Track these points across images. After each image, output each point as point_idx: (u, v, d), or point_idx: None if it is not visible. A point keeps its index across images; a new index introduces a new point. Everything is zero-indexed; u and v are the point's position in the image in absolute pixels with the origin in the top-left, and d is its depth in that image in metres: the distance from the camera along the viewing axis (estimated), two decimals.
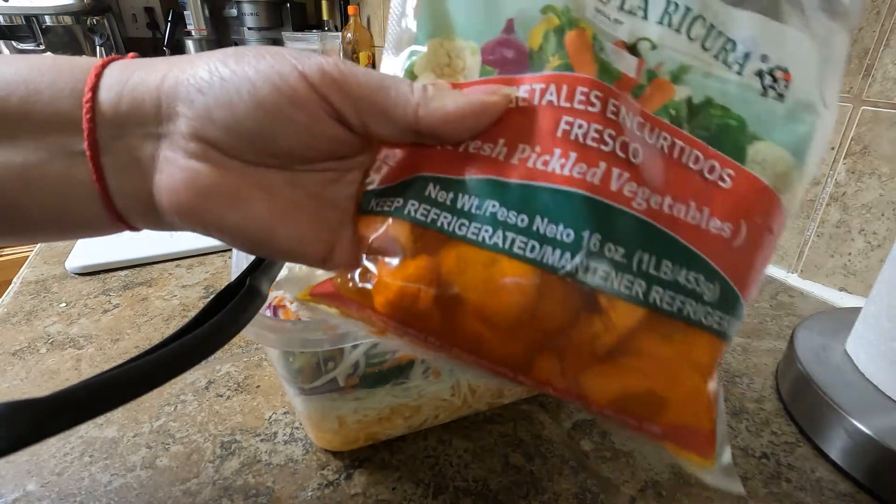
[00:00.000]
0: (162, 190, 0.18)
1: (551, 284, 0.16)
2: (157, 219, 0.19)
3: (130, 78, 0.18)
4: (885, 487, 0.27)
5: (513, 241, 0.16)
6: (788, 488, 0.28)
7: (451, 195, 0.17)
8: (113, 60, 0.18)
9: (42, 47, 1.28)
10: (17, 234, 0.18)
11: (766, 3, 0.19)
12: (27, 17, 1.22)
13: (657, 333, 0.16)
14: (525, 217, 0.16)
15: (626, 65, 0.18)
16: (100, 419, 0.31)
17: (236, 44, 1.60)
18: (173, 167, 0.18)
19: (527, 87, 0.18)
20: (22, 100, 0.17)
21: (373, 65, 1.30)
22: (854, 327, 0.33)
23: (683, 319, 0.16)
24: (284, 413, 0.33)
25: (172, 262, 0.54)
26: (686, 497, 0.27)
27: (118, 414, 0.32)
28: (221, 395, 0.34)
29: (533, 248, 0.16)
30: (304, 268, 0.30)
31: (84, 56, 0.18)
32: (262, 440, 0.31)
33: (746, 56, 0.18)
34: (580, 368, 0.16)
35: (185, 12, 1.48)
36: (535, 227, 0.16)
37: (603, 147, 0.16)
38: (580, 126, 0.17)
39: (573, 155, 0.16)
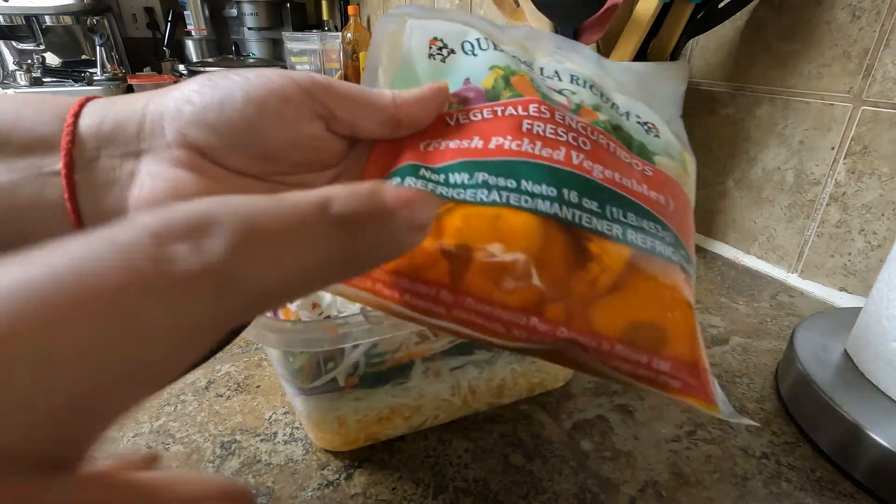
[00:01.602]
0: (141, 203, 0.18)
1: (550, 230, 0.18)
2: None
3: (114, 105, 0.18)
4: (885, 487, 0.27)
5: (508, 198, 0.19)
6: (788, 488, 0.28)
7: (442, 176, 0.20)
8: (94, 98, 0.19)
9: (42, 47, 1.28)
10: None
11: (632, 92, 0.26)
12: (27, 17, 1.22)
13: (644, 272, 0.19)
14: (513, 181, 0.19)
15: (559, 99, 0.23)
16: None
17: (236, 44, 1.60)
18: (155, 179, 0.18)
19: (489, 109, 0.21)
20: (3, 128, 0.17)
21: None
22: (854, 327, 0.33)
23: (657, 255, 0.19)
24: (284, 413, 0.33)
25: None
26: (686, 497, 0.27)
27: None
28: (221, 395, 0.34)
29: (527, 201, 0.19)
30: None
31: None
32: (262, 440, 0.31)
33: (627, 113, 0.24)
34: (587, 305, 0.18)
35: (185, 12, 1.48)
36: (523, 187, 0.19)
37: (560, 138, 0.20)
38: (539, 125, 0.20)
39: (538, 143, 0.20)
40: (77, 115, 0.18)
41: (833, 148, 0.45)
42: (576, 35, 0.47)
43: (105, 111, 0.18)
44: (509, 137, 0.20)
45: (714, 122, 0.55)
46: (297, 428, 0.31)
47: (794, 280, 0.50)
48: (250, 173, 0.19)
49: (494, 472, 0.28)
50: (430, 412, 0.30)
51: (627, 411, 0.33)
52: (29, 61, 1.24)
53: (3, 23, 1.22)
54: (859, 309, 0.33)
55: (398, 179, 0.20)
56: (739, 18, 0.51)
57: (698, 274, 0.52)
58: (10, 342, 0.08)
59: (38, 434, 0.08)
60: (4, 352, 0.07)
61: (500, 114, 0.21)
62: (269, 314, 0.28)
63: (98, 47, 1.24)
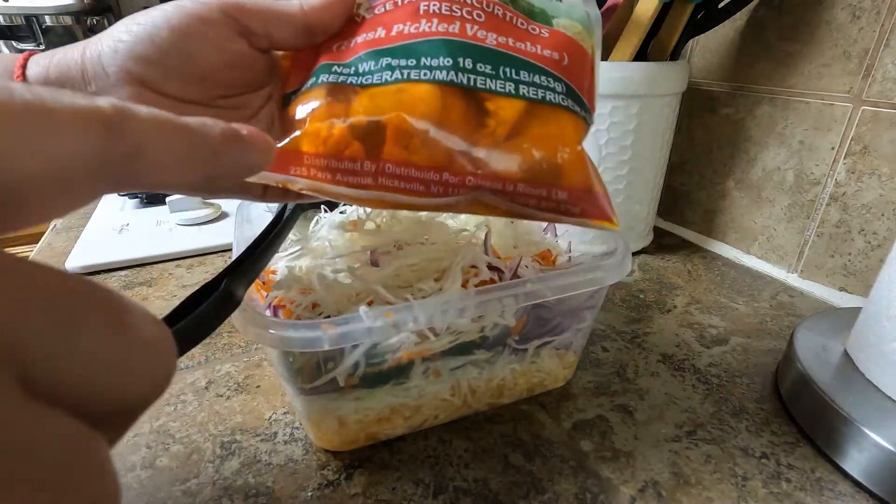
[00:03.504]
0: None
1: (449, 95, 0.21)
2: None
3: (54, 56, 0.21)
4: (885, 487, 0.27)
5: (409, 73, 0.21)
6: (788, 488, 0.28)
7: (352, 68, 0.22)
8: (34, 53, 0.21)
9: (42, 47, 1.28)
10: None
11: None
12: (27, 17, 1.22)
13: (537, 118, 0.22)
14: (413, 59, 0.21)
15: None
16: None
17: None
18: None
19: (391, 1, 0.24)
20: None
21: None
22: (854, 327, 0.33)
23: (549, 103, 0.22)
24: (284, 413, 0.33)
25: (172, 262, 0.54)
26: (686, 497, 0.27)
27: None
28: (221, 395, 0.34)
29: (425, 73, 0.21)
30: (304, 267, 0.30)
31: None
32: (262, 440, 0.31)
33: None
34: (490, 151, 0.21)
35: None
36: (422, 62, 0.21)
37: (454, 13, 0.23)
38: (434, 5, 0.23)
39: (435, 20, 0.22)
40: (24, 68, 0.20)
41: (833, 148, 0.45)
42: None
43: (48, 61, 0.20)
44: (408, 23, 0.22)
45: (714, 122, 0.55)
46: (297, 428, 0.31)
47: (794, 280, 0.50)
48: (194, 100, 0.22)
49: (494, 472, 0.28)
50: (430, 412, 0.30)
51: (627, 411, 0.33)
52: None
53: (3, 23, 1.22)
54: (859, 309, 0.33)
55: (313, 79, 0.23)
56: (739, 18, 0.51)
57: (698, 273, 0.52)
58: None
59: None
60: None
61: (399, 3, 0.23)
62: (269, 314, 0.27)
63: None
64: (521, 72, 0.22)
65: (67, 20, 1.28)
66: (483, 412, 0.33)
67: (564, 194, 0.22)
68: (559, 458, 0.29)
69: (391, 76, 0.21)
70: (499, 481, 0.28)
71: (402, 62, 0.21)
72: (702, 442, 0.31)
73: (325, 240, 0.33)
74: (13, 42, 1.28)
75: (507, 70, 0.22)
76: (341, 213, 0.36)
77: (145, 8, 0.22)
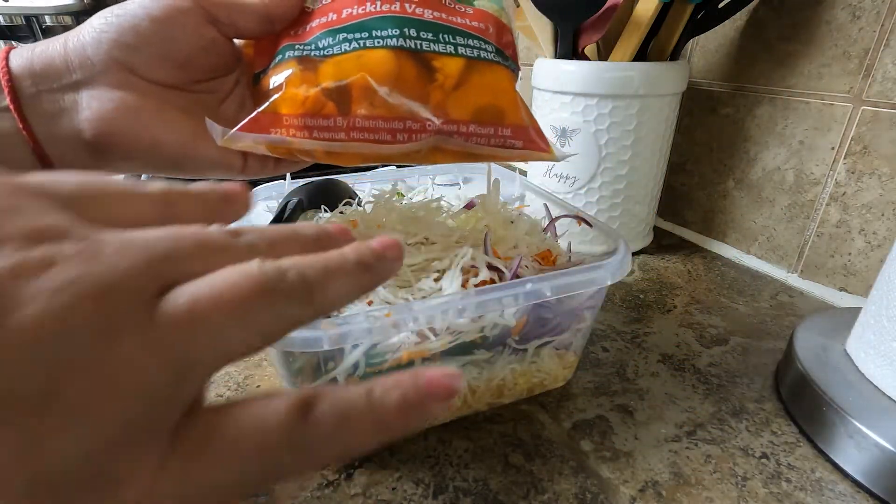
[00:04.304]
0: (93, 121, 0.21)
1: (401, 57, 0.25)
2: (98, 160, 0.22)
3: (35, 49, 0.22)
4: (885, 487, 0.27)
5: (364, 43, 0.25)
6: (788, 488, 0.28)
7: (312, 45, 0.26)
8: (13, 47, 0.22)
9: None
10: None
11: None
12: (27, 17, 1.22)
13: (476, 72, 0.26)
14: (365, 32, 0.25)
15: None
16: None
17: None
18: (102, 101, 0.22)
19: None
20: None
21: None
22: (854, 327, 0.33)
23: (483, 59, 0.26)
24: None
25: None
26: (686, 497, 0.27)
27: None
28: (221, 396, 0.34)
29: (378, 41, 0.25)
30: None
31: None
32: None
33: None
34: (442, 101, 0.25)
35: None
36: (373, 34, 0.25)
37: None
38: None
39: (378, 2, 0.26)
40: (7, 61, 0.21)
41: (833, 148, 0.45)
42: (576, 35, 0.47)
43: (30, 54, 0.22)
44: (355, 6, 0.26)
45: (714, 122, 0.55)
46: None
47: (794, 280, 0.50)
48: (174, 84, 0.24)
49: (494, 472, 0.28)
50: None
51: (627, 411, 0.33)
52: None
53: (3, 23, 1.22)
54: (859, 309, 0.33)
55: (279, 56, 0.26)
56: (739, 18, 0.51)
57: (698, 273, 0.52)
58: None
59: None
60: None
61: None
62: None
63: None
64: (457, 37, 0.26)
65: (67, 20, 1.28)
66: (483, 412, 0.33)
67: (508, 131, 0.26)
68: (559, 458, 0.29)
69: (349, 46, 0.25)
70: (499, 481, 0.28)
71: (357, 35, 0.25)
72: (702, 442, 0.31)
73: None
74: (13, 42, 1.28)
75: (446, 36, 0.26)
76: (341, 213, 0.36)
77: None
